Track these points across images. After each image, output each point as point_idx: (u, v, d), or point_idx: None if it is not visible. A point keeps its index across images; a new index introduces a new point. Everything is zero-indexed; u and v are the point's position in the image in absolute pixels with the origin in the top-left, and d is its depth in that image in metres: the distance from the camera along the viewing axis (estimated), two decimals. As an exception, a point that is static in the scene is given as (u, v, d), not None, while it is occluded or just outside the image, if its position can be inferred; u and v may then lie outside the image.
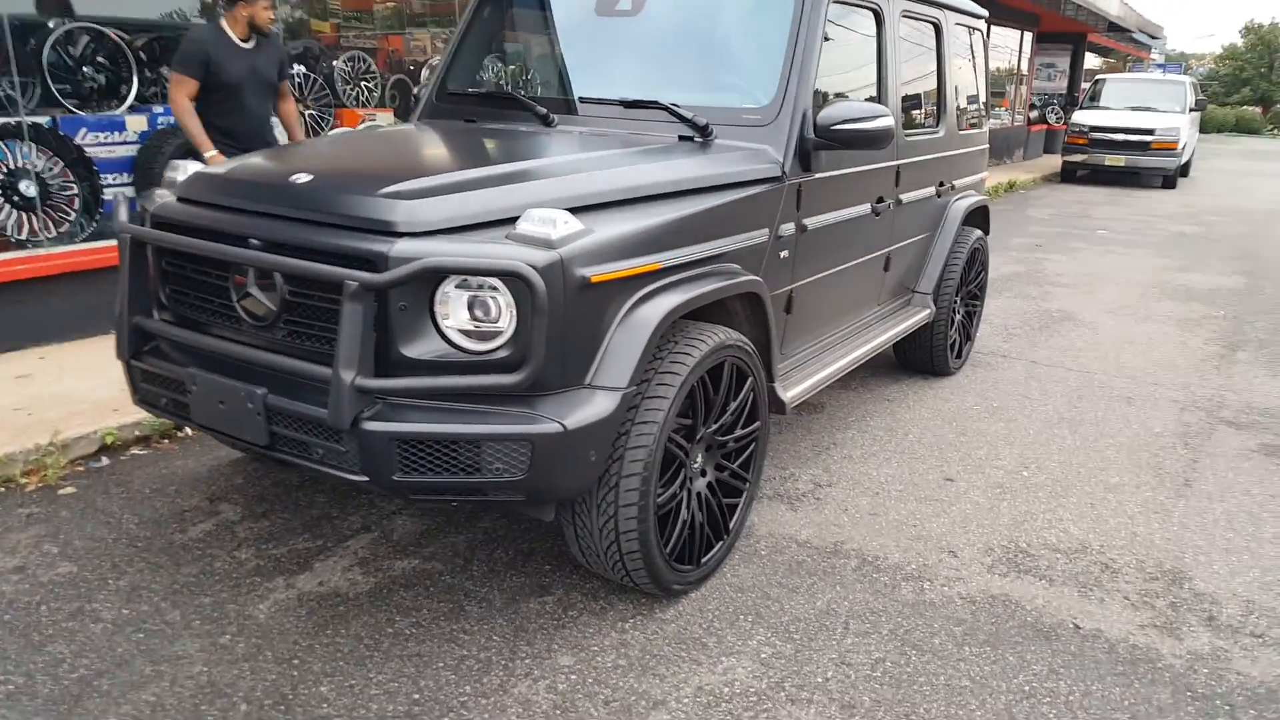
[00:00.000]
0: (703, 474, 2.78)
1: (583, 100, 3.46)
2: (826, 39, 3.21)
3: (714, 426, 2.74)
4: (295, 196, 2.38)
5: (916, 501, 3.45)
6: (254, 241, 2.34)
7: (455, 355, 2.23)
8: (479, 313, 2.22)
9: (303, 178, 2.46)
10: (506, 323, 2.19)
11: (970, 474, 3.72)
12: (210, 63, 4.18)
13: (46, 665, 2.35)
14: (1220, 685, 2.45)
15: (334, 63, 6.45)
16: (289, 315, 2.32)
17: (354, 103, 6.69)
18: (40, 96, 4.73)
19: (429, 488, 2.25)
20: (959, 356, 5.06)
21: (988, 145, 5.27)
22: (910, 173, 4.04)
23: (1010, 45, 19.65)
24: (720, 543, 2.85)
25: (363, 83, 6.74)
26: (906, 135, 3.97)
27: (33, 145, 4.67)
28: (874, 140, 3.06)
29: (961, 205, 4.71)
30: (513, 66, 3.92)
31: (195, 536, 3.01)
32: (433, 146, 3.11)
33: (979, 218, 5.08)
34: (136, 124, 5.13)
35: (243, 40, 4.31)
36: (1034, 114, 21.50)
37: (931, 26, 4.27)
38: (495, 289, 2.18)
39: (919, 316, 4.49)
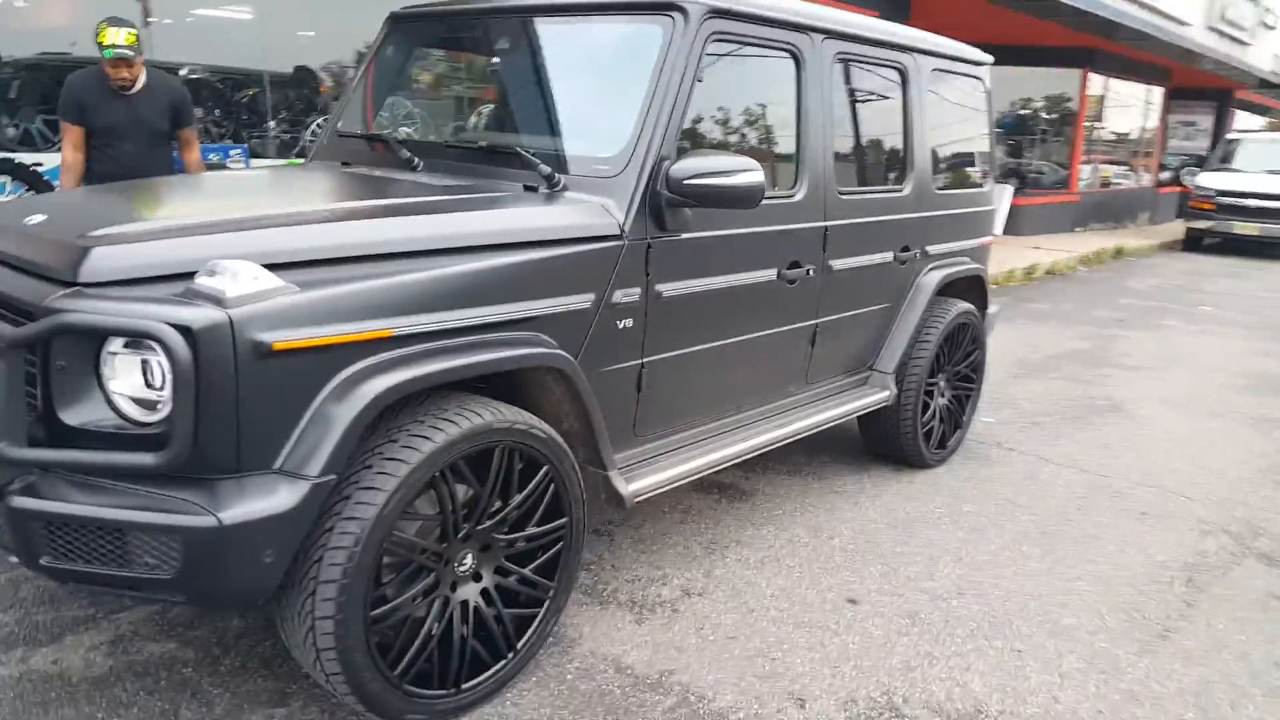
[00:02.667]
0: (475, 578, 2.43)
1: (450, 146, 3.25)
2: (699, 81, 2.87)
3: (488, 524, 2.40)
4: (16, 239, 2.22)
5: (794, 626, 2.99)
6: None
7: (126, 426, 1.99)
8: (152, 379, 1.97)
9: (37, 219, 2.30)
10: (168, 393, 1.93)
11: (883, 596, 3.22)
12: (84, 108, 4.14)
13: None
14: None
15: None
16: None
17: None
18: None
19: (81, 577, 2.00)
20: (941, 446, 4.53)
21: (993, 207, 4.77)
22: (847, 236, 3.62)
23: (1137, 100, 18.61)
24: (501, 663, 2.49)
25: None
26: (842, 193, 3.57)
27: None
28: (734, 199, 2.70)
29: (936, 275, 4.22)
30: (407, 109, 3.73)
31: (-37, 594, 2.85)
32: (218, 192, 2.93)
33: (969, 289, 4.57)
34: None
35: (122, 87, 4.15)
36: (1165, 175, 20.25)
37: (894, 71, 3.86)
38: (157, 352, 1.93)
39: (873, 398, 4.02)
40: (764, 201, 3.09)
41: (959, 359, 4.56)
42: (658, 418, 3.00)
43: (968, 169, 4.57)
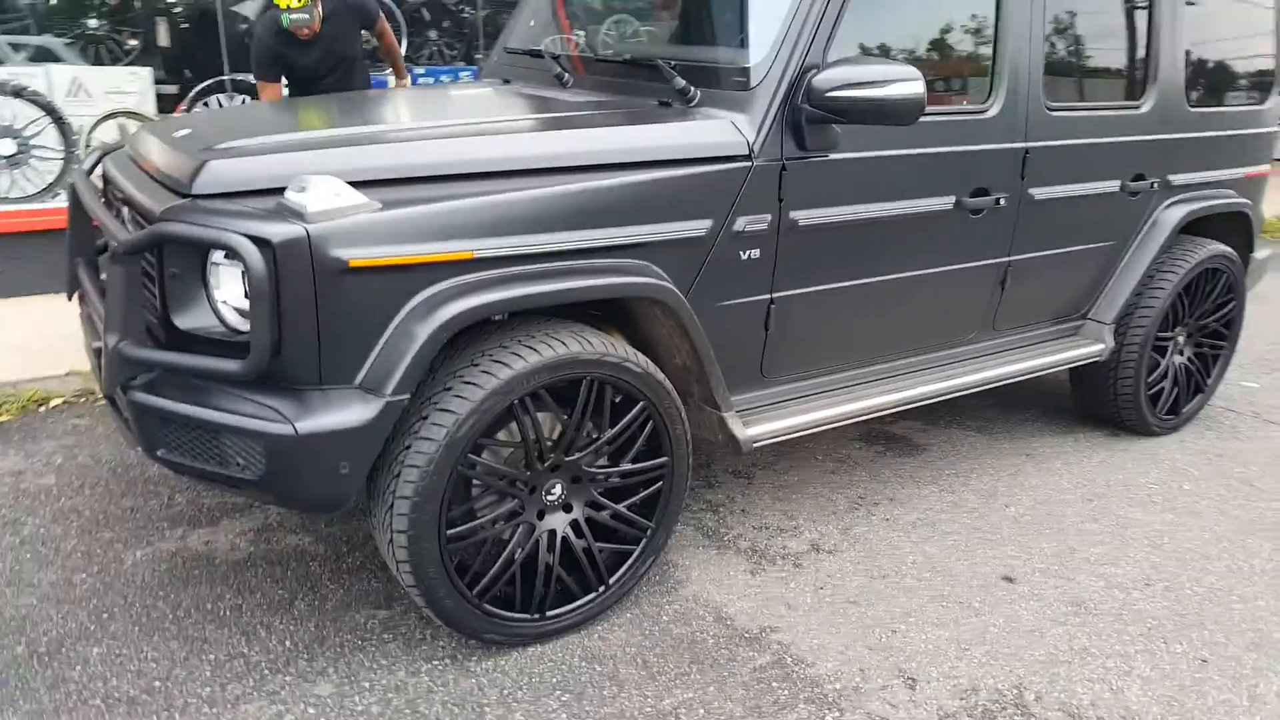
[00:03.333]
0: (565, 509, 2.40)
1: (600, 60, 3.14)
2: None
3: (577, 456, 2.34)
4: (159, 150, 2.39)
5: (930, 598, 2.73)
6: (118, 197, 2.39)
7: (229, 334, 2.11)
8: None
9: (182, 132, 2.47)
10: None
11: (1048, 578, 2.86)
12: (278, 62, 4.28)
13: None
14: None
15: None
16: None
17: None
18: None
19: (190, 471, 2.16)
20: (1173, 412, 3.93)
21: (1274, 129, 3.97)
22: (1056, 160, 3.14)
23: None
24: (591, 595, 2.46)
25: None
26: (1053, 108, 3.09)
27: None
28: (885, 113, 2.40)
29: (1178, 210, 3.59)
30: (579, 24, 3.61)
31: (159, 473, 3.23)
32: (362, 108, 2.98)
33: (1228, 229, 3.86)
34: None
35: (305, 32, 4.14)
36: None
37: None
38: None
39: (1082, 350, 3.54)
40: (946, 117, 2.76)
41: (1206, 311, 3.90)
42: (791, 359, 2.79)
43: (1239, 81, 3.82)
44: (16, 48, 5.71)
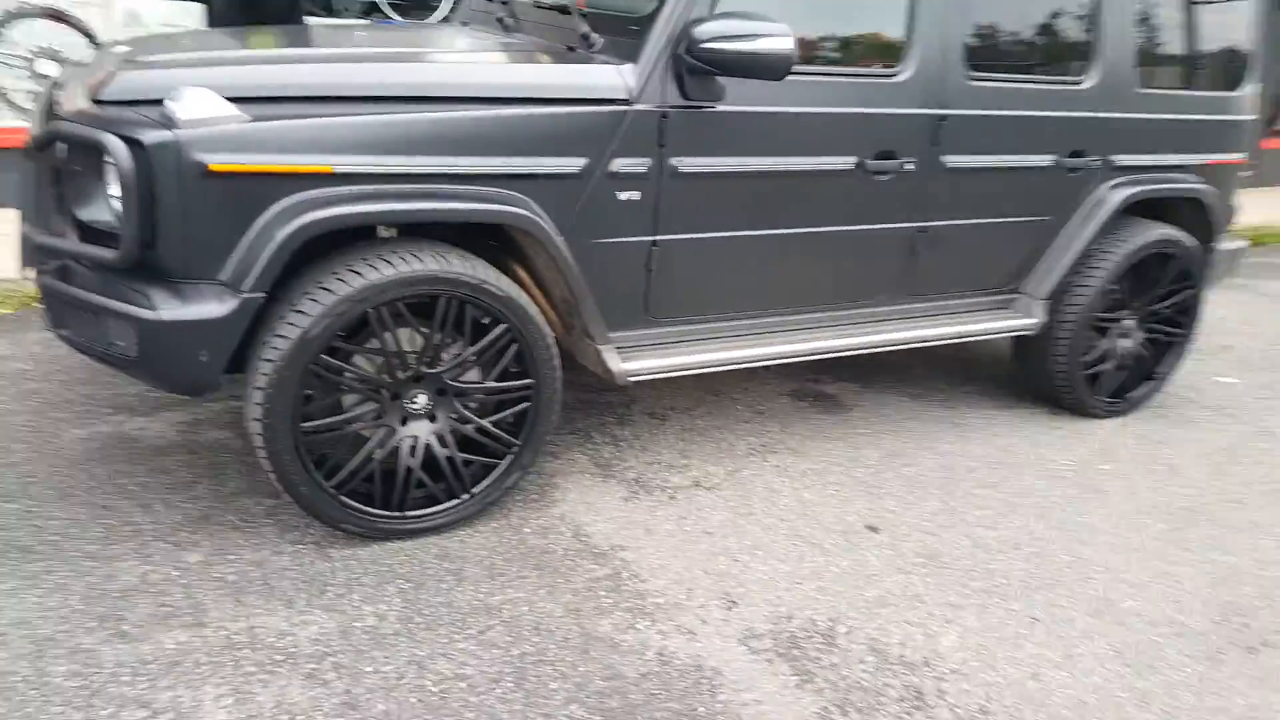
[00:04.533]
0: (430, 419, 2.63)
1: (537, 6, 3.31)
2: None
3: (439, 369, 2.56)
4: (95, 66, 2.68)
5: (785, 536, 2.88)
6: None
7: (115, 226, 2.38)
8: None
9: (121, 49, 2.75)
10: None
11: (914, 532, 2.98)
12: None
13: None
14: None
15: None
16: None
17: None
18: None
19: (84, 349, 2.46)
20: (1119, 396, 3.96)
21: (1243, 118, 3.92)
22: (974, 129, 3.21)
23: None
24: (454, 501, 2.69)
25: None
26: (973, 77, 3.15)
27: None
28: (753, 67, 2.54)
29: (1122, 191, 3.61)
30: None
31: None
32: (288, 36, 3.21)
33: (1186, 214, 3.85)
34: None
35: None
36: None
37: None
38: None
39: (1010, 323, 3.61)
40: (851, 79, 2.86)
41: (1158, 297, 3.89)
42: (678, 303, 2.95)
43: (1203, 65, 3.78)
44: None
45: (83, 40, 5.60)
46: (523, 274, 2.80)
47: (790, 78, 2.61)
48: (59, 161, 2.38)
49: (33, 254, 2.42)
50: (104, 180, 2.36)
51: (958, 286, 3.52)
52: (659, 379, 2.93)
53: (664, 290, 2.89)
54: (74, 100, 2.45)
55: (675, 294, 2.92)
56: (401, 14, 6.39)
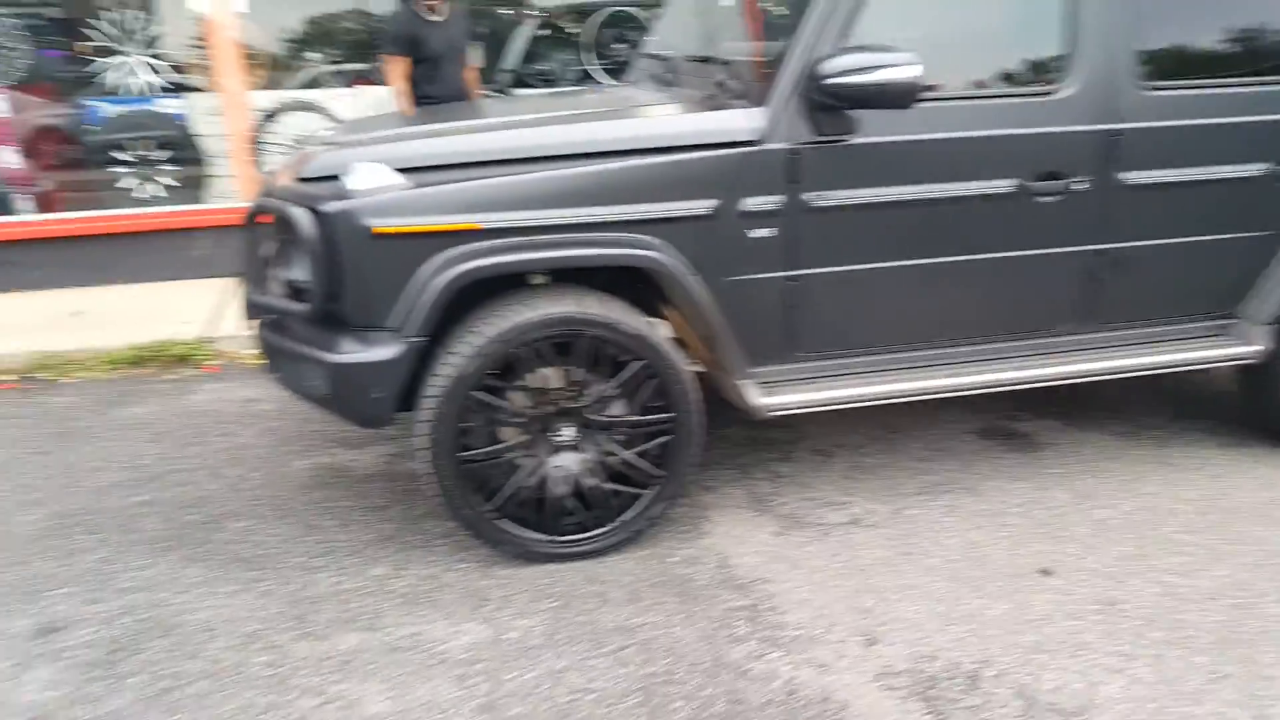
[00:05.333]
0: (574, 449, 2.83)
1: (689, 60, 3.50)
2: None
3: (580, 404, 2.77)
4: (313, 145, 3.18)
5: (946, 579, 2.79)
6: None
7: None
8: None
9: (328, 134, 3.25)
10: (310, 260, 2.67)
11: (1095, 579, 2.79)
12: (415, 40, 5.14)
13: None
14: None
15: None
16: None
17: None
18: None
19: (294, 389, 2.89)
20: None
21: None
22: (1158, 141, 3.01)
23: None
24: (601, 529, 2.87)
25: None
26: (1152, 87, 2.98)
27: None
28: (879, 98, 2.59)
29: (1356, 198, 3.21)
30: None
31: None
32: (452, 112, 3.56)
33: None
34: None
35: (435, 16, 5.17)
36: None
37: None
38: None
39: (1226, 351, 3.31)
40: (1003, 99, 2.87)
41: None
42: (823, 336, 2.98)
43: None
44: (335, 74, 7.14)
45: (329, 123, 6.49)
46: (674, 315, 2.96)
47: (937, 104, 2.61)
48: (267, 231, 2.85)
49: (252, 310, 2.89)
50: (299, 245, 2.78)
51: (1158, 312, 3.27)
52: (831, 414, 2.95)
53: (806, 324, 2.93)
54: (283, 179, 2.92)
55: (819, 328, 2.95)
56: (615, 77, 6.88)
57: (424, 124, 3.22)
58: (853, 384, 2.99)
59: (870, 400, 2.99)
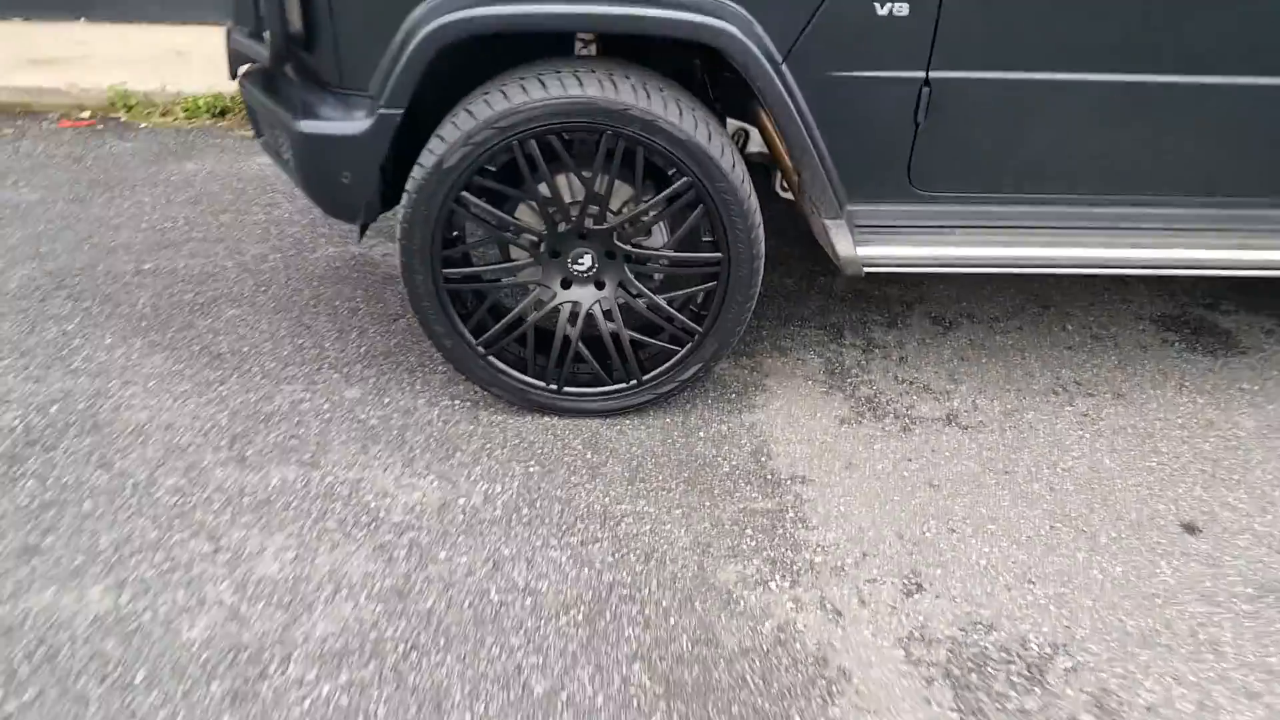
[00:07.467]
0: (598, 286, 2.30)
1: None
2: None
3: (606, 225, 2.20)
4: None
5: (1046, 515, 2.16)
6: None
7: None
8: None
9: None
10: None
11: (1252, 545, 2.09)
12: None
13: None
14: None
15: None
16: None
17: None
18: None
19: (276, 160, 2.46)
20: None
21: None
22: None
23: None
24: (616, 388, 2.38)
25: None
26: None
27: None
28: None
29: None
30: None
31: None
32: None
33: None
34: None
35: None
36: None
37: None
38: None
39: None
40: None
41: None
42: (962, 170, 2.24)
43: None
44: None
45: None
46: (766, 120, 2.27)
47: None
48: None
49: (230, 55, 2.43)
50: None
51: None
52: (964, 277, 2.28)
53: (937, 151, 2.21)
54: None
55: (954, 158, 2.23)
56: None
57: None
58: (982, 241, 2.27)
59: (1000, 265, 2.28)
